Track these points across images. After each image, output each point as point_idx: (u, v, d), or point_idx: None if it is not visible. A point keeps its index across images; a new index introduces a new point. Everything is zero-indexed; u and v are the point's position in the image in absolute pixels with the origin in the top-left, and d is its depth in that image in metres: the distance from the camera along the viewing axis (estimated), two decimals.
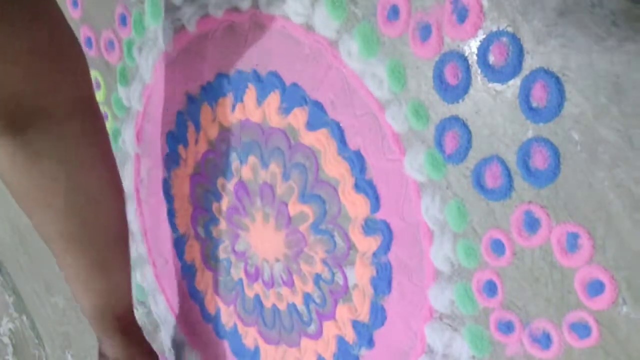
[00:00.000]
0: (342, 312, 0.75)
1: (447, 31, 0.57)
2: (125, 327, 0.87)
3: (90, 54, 0.97)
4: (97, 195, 0.78)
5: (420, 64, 0.60)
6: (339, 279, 0.74)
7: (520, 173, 0.56)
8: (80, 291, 0.83)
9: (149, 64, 0.88)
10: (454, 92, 0.58)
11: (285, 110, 0.74)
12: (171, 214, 0.94)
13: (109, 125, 0.99)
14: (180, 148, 0.89)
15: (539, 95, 0.53)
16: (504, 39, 0.54)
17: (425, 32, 0.59)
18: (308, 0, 0.67)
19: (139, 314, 1.07)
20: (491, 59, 0.55)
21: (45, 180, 0.73)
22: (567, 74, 0.51)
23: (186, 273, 0.95)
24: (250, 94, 0.77)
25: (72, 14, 0.97)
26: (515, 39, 0.53)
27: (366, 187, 0.68)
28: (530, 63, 0.53)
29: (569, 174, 0.53)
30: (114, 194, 0.81)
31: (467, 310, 0.63)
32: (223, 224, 0.86)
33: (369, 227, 0.69)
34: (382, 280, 0.70)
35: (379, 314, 0.71)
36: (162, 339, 1.04)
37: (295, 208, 0.76)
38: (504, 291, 0.59)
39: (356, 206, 0.70)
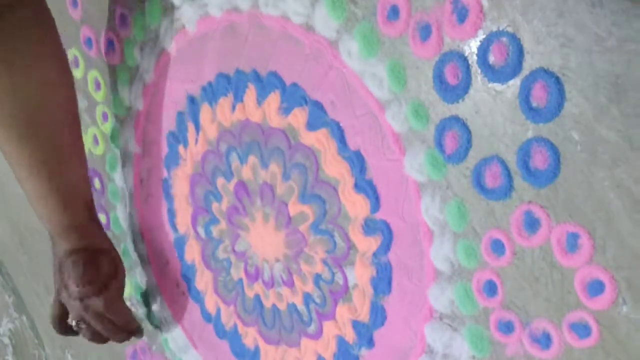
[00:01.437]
0: (342, 312, 0.75)
1: (447, 31, 0.57)
2: (94, 215, 0.87)
3: (90, 54, 0.97)
4: (47, 90, 0.77)
5: (420, 64, 0.60)
6: (339, 279, 0.74)
7: (520, 173, 0.56)
8: (44, 190, 0.82)
9: (149, 64, 0.88)
10: (454, 92, 0.58)
11: (285, 110, 0.74)
12: (171, 214, 0.94)
13: (109, 125, 0.99)
14: (180, 148, 0.89)
15: (539, 95, 0.53)
16: (504, 39, 0.54)
17: (425, 32, 0.59)
18: (308, 0, 0.67)
19: (139, 314, 1.07)
20: (491, 59, 0.55)
21: None
22: (567, 74, 0.51)
23: (186, 273, 0.95)
24: (250, 94, 0.77)
25: (72, 14, 0.97)
26: (515, 39, 0.53)
27: (366, 187, 0.68)
28: (530, 63, 0.53)
29: (569, 174, 0.53)
30: (64, 85, 0.80)
31: (467, 310, 0.63)
32: (223, 224, 0.86)
33: (369, 227, 0.69)
34: (382, 280, 0.70)
35: (379, 314, 0.71)
36: (162, 340, 1.05)
37: (295, 208, 0.76)
38: (504, 291, 0.59)
39: (356, 206, 0.70)
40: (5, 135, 0.78)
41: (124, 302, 0.90)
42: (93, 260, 0.85)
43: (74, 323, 0.88)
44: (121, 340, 0.93)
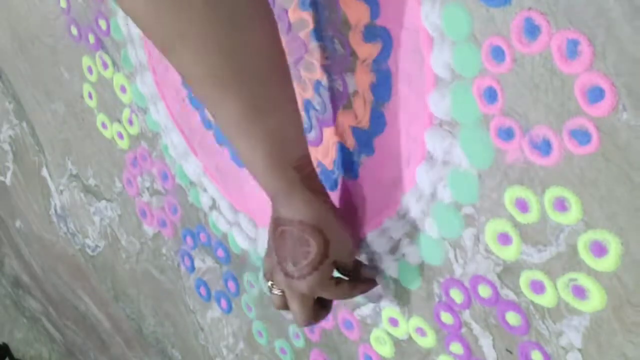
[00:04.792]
0: (342, 118, 0.76)
1: None
2: (306, 178, 0.73)
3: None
4: (243, 21, 0.65)
5: None
6: (339, 85, 0.74)
7: None
8: (244, 146, 0.70)
9: None
10: None
11: None
12: None
13: None
14: None
15: None
16: None
17: None
18: None
19: (139, 121, 1.08)
20: None
21: (180, 6, 0.62)
22: None
23: None
24: None
25: None
26: None
27: None
28: None
29: None
30: (262, 21, 0.67)
31: (467, 117, 0.63)
32: None
33: (369, 33, 0.69)
34: (382, 87, 0.70)
35: (379, 121, 0.72)
36: (162, 147, 1.06)
37: (295, 14, 0.75)
38: (504, 98, 0.60)
39: (356, 12, 0.69)
40: (211, 78, 0.66)
41: (334, 280, 0.77)
42: (297, 238, 0.74)
43: (269, 284, 0.80)
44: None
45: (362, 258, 0.81)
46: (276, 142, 0.70)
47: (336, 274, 0.78)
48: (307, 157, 0.73)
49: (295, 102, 0.71)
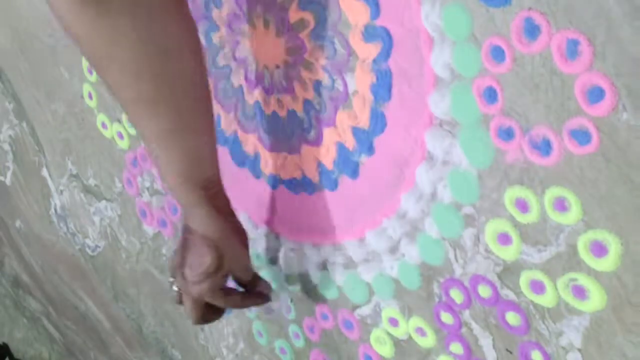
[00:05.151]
0: (342, 118, 0.76)
1: None
2: (212, 197, 0.80)
3: None
4: (173, 51, 0.71)
5: None
6: (339, 85, 0.74)
7: None
8: (163, 160, 0.76)
9: None
10: None
11: None
12: None
13: None
14: None
15: None
16: None
17: None
18: None
19: None
20: None
21: (117, 34, 0.67)
22: None
23: None
24: None
25: None
26: None
27: None
28: None
29: None
30: (191, 51, 0.73)
31: (467, 117, 0.64)
32: (223, 31, 0.85)
33: (369, 33, 0.69)
34: (382, 87, 0.70)
35: (379, 121, 0.72)
36: None
37: (295, 14, 0.75)
38: (504, 98, 0.60)
39: (356, 12, 0.69)
40: (135, 98, 0.72)
41: (224, 290, 0.86)
42: (196, 248, 0.81)
43: (171, 280, 0.88)
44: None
45: (361, 256, 0.81)
46: (189, 162, 0.77)
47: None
48: (217, 177, 0.80)
49: (213, 128, 0.78)
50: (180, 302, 0.87)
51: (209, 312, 0.87)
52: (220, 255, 0.81)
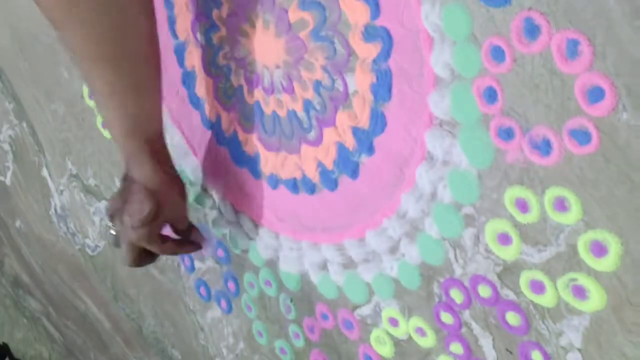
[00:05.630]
0: (342, 118, 0.76)
1: None
2: (154, 151, 0.87)
3: None
4: (130, 14, 0.76)
5: None
6: (339, 85, 0.74)
7: None
8: (110, 114, 0.83)
9: None
10: None
11: None
12: (171, 20, 0.92)
13: None
14: None
15: None
16: None
17: None
18: None
19: None
20: None
21: None
22: None
23: (186, 80, 0.95)
24: None
25: None
26: None
27: None
28: None
29: None
30: (146, 15, 0.79)
31: (467, 117, 0.64)
32: (223, 31, 0.85)
33: (369, 33, 0.69)
34: (382, 87, 0.70)
35: (379, 121, 0.72)
36: None
37: (295, 14, 0.75)
38: (504, 98, 0.60)
39: (356, 12, 0.69)
40: (90, 53, 0.77)
41: (161, 237, 0.93)
42: (137, 196, 0.87)
43: (109, 224, 0.93)
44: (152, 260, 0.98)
45: (361, 256, 0.81)
46: (134, 117, 0.83)
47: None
48: (160, 134, 0.87)
49: (160, 87, 0.84)
50: (117, 245, 0.93)
51: (144, 257, 0.95)
52: (158, 204, 0.88)
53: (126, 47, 0.78)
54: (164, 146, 0.89)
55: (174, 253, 0.99)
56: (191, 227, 1.00)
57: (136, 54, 0.79)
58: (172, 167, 0.91)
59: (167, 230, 0.95)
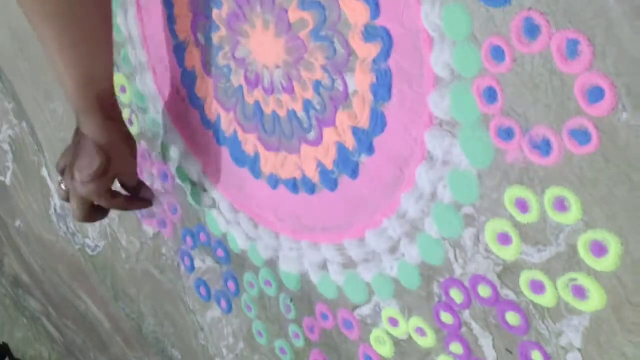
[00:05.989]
0: (342, 118, 0.76)
1: None
2: (106, 107, 0.88)
3: None
4: None
5: None
6: (339, 85, 0.74)
7: None
8: (61, 69, 0.84)
9: None
10: None
11: None
12: (171, 20, 0.92)
13: None
14: None
15: None
16: None
17: None
18: None
19: (138, 121, 1.08)
20: None
21: None
22: None
23: (186, 80, 0.95)
24: None
25: None
26: None
27: None
28: None
29: None
30: None
31: (467, 117, 0.63)
32: (223, 31, 0.85)
33: (369, 33, 0.69)
34: (382, 87, 0.70)
35: (379, 121, 0.72)
36: (162, 147, 1.06)
37: (295, 14, 0.75)
38: (504, 98, 0.60)
39: (356, 12, 0.69)
40: (38, 9, 0.79)
41: (111, 193, 0.95)
42: (87, 151, 0.88)
43: (60, 179, 0.95)
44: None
45: (361, 256, 0.81)
46: (86, 74, 0.84)
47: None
48: (111, 91, 0.88)
49: (111, 45, 0.87)
50: (68, 200, 0.95)
51: (94, 212, 0.96)
52: (108, 159, 0.89)
53: (79, 4, 0.80)
54: (114, 103, 0.90)
55: (124, 208, 1.00)
56: (141, 185, 1.02)
57: (85, 9, 0.81)
58: (123, 124, 0.92)
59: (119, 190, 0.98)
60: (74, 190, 0.92)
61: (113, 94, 0.89)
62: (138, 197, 1.01)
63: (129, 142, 0.93)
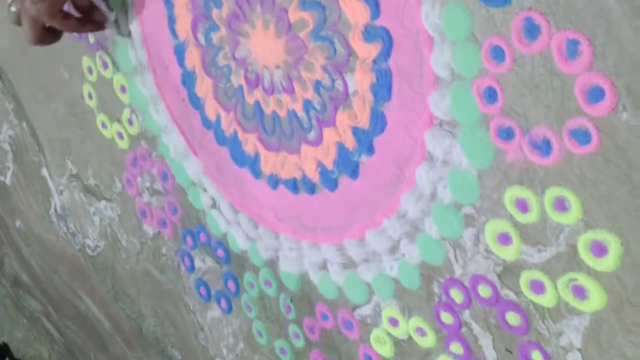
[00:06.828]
0: (342, 118, 0.76)
1: None
2: None
3: None
4: None
5: None
6: (339, 85, 0.74)
7: None
8: None
9: None
10: None
11: None
12: (171, 20, 0.92)
13: None
14: None
15: None
16: None
17: None
18: None
19: (138, 121, 1.08)
20: None
21: None
22: None
23: (186, 80, 0.95)
24: None
25: None
26: None
27: None
28: None
29: None
30: None
31: (467, 117, 0.64)
32: (223, 31, 0.85)
33: (369, 33, 0.69)
34: (382, 87, 0.70)
35: (379, 121, 0.72)
36: (162, 147, 1.06)
37: (295, 15, 0.75)
38: (504, 98, 0.60)
39: (356, 12, 0.69)
40: None
41: (63, 13, 0.92)
42: None
43: (9, 1, 0.93)
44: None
45: (361, 256, 0.81)
46: None
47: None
48: None
49: None
50: (18, 23, 0.93)
51: (46, 35, 0.94)
52: None
53: None
54: None
55: (77, 31, 0.98)
56: (93, 7, 0.99)
57: None
58: None
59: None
60: (25, 12, 0.90)
61: None
62: (91, 19, 0.99)
63: None
